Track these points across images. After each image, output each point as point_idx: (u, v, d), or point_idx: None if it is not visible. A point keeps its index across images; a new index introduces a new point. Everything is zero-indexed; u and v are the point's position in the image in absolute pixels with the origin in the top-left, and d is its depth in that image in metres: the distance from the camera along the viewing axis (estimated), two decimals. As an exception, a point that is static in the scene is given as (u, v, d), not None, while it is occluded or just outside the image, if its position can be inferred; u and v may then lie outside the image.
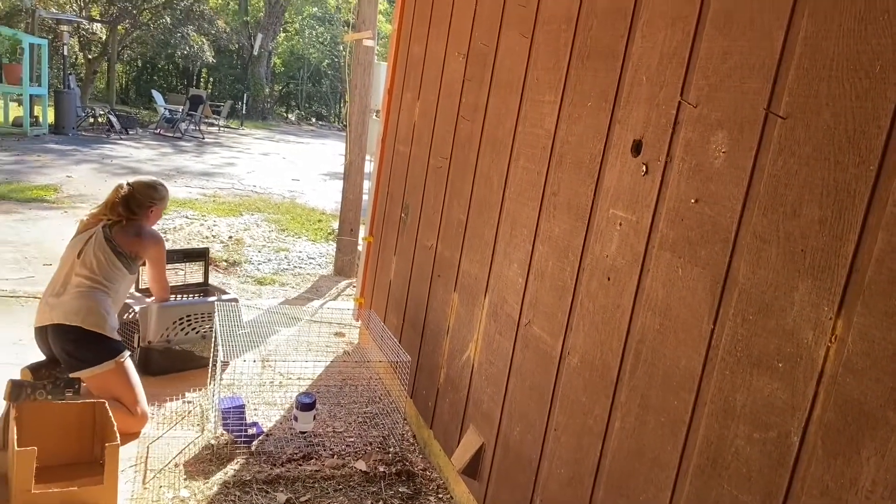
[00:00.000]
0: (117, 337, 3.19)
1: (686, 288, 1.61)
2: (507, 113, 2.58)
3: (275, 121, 26.79)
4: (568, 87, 2.18)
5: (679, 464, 1.59)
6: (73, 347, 3.05)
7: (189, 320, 3.73)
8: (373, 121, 6.10)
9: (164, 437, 3.07)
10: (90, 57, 22.06)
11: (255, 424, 3.14)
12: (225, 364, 3.11)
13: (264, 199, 9.81)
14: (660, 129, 1.74)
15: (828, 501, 1.24)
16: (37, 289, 4.67)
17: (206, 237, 7.08)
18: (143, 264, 3.46)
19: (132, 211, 3.32)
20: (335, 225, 7.52)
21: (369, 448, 3.15)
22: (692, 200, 1.61)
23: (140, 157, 12.59)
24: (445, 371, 2.99)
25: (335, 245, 6.75)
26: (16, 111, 14.32)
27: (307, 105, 32.28)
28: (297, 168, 13.82)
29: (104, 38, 21.54)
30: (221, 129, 20.02)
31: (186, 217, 7.82)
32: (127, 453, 2.87)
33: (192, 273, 5.06)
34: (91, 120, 16.16)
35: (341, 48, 28.00)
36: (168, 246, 6.43)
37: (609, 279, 1.88)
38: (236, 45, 27.09)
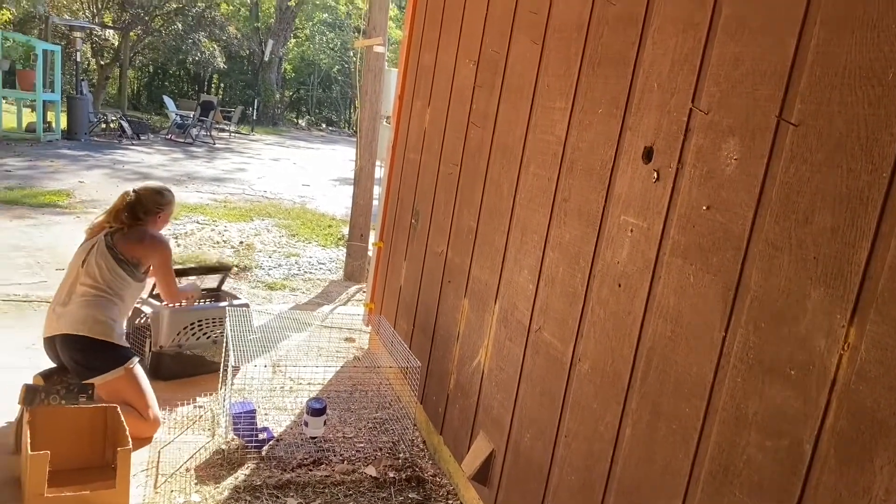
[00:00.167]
0: (125, 343, 3.20)
1: (698, 295, 1.61)
2: (518, 119, 2.59)
3: (285, 126, 26.90)
4: (579, 93, 2.18)
5: (690, 471, 1.59)
6: (81, 356, 3.06)
7: (200, 325, 3.75)
8: (383, 127, 6.12)
9: (175, 442, 3.08)
10: (102, 63, 22.25)
11: (265, 429, 3.15)
12: (236, 369, 3.12)
13: (275, 204, 9.85)
14: (671, 136, 1.74)
15: (841, 510, 1.23)
16: (49, 293, 4.70)
17: (217, 242, 7.11)
18: (146, 272, 3.36)
19: (138, 217, 3.30)
20: (345, 230, 7.54)
21: (379, 454, 3.16)
22: (704, 207, 1.61)
23: (151, 163, 12.67)
24: (455, 377, 2.99)
25: (345, 250, 6.77)
26: (29, 117, 14.44)
27: (317, 111, 32.40)
28: (307, 173, 13.87)
29: (116, 44, 21.72)
30: (232, 134, 20.12)
31: (197, 222, 7.85)
32: (138, 458, 2.88)
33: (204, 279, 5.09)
34: (103, 126, 16.27)
35: (351, 54, 28.12)
36: (179, 250, 6.47)
37: (620, 286, 1.88)
38: (247, 51, 27.24)
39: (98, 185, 9.51)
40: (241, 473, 2.88)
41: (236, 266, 6.34)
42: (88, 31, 19.44)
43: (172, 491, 2.72)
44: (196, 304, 3.82)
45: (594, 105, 2.09)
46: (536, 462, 2.26)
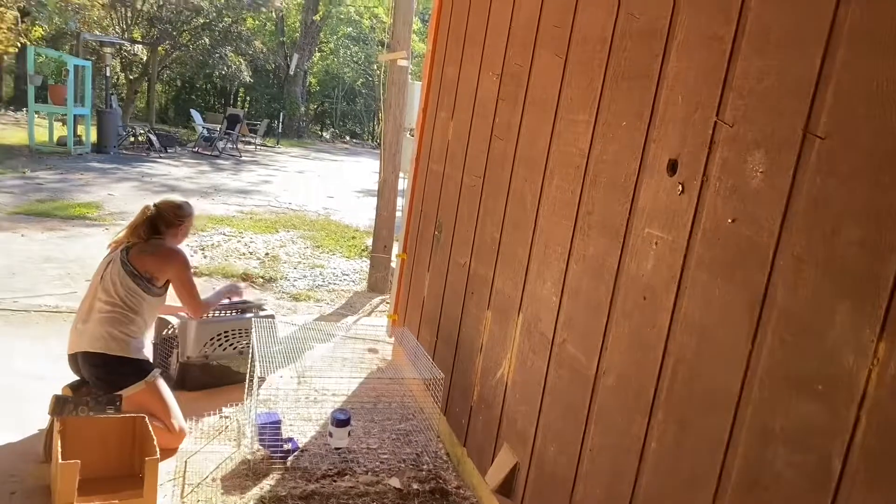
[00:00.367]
0: (144, 357, 3.22)
1: (723, 308, 1.60)
2: (541, 132, 2.59)
3: (310, 139, 27.14)
4: (602, 106, 2.19)
5: (717, 485, 1.57)
6: (101, 373, 3.10)
7: (227, 336, 3.79)
8: (407, 139, 6.15)
9: (201, 452, 3.11)
10: (131, 77, 22.65)
11: (290, 440, 3.17)
12: (262, 380, 3.15)
13: (300, 216, 9.93)
14: (696, 149, 1.74)
15: (871, 527, 1.21)
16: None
17: (243, 254, 7.18)
18: (165, 287, 3.35)
19: (159, 231, 3.32)
20: (369, 241, 7.58)
21: (403, 465, 3.16)
22: (729, 220, 1.60)
23: (178, 175, 12.84)
24: (479, 389, 2.99)
25: (369, 262, 6.81)
26: (60, 130, 14.71)
27: (341, 123, 32.65)
28: (331, 185, 13.97)
29: (145, 59, 22.10)
30: (258, 147, 20.33)
31: (224, 234, 7.94)
32: (166, 468, 2.91)
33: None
34: (132, 139, 16.53)
35: (375, 67, 28.33)
36: (205, 262, 6.55)
37: (645, 298, 1.88)
38: (273, 65, 27.56)
39: (127, 198, 9.66)
40: (267, 484, 2.90)
41: (261, 277, 6.39)
42: (118, 47, 19.81)
43: (199, 501, 2.75)
44: (221, 313, 3.86)
45: (618, 117, 2.10)
46: (561, 475, 2.26)
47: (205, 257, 6.85)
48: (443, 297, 3.60)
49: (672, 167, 1.82)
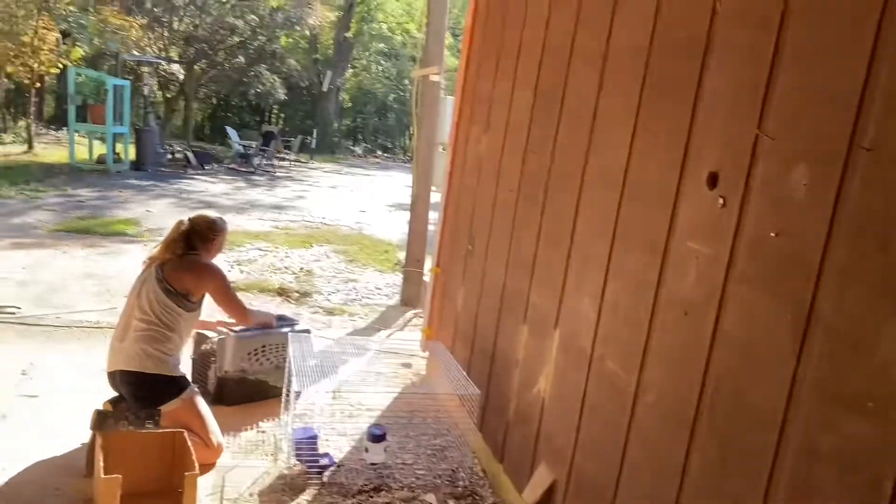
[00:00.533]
0: (180, 373, 3.25)
1: (767, 324, 1.57)
2: (577, 146, 2.58)
3: (342, 154, 27.38)
4: (640, 119, 2.17)
5: (763, 506, 1.54)
6: (137, 390, 3.14)
7: (264, 351, 3.82)
8: (439, 154, 6.17)
9: (239, 467, 3.13)
10: (168, 96, 23.09)
11: (326, 455, 3.18)
12: (298, 394, 3.16)
13: (333, 230, 10.01)
14: (736, 162, 1.71)
15: (927, 551, 1.18)
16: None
17: (279, 269, 7.25)
18: (200, 302, 3.38)
19: (193, 246, 3.35)
20: (401, 255, 7.61)
21: (439, 481, 3.14)
22: (772, 234, 1.58)
23: (215, 192, 13.04)
24: (515, 404, 2.97)
25: (402, 276, 6.82)
26: (99, 149, 15.04)
27: (373, 138, 32.90)
28: (363, 200, 14.06)
29: (182, 77, 22.51)
30: (292, 163, 20.57)
31: (259, 249, 8.03)
32: (204, 482, 2.93)
33: (265, 305, 5.18)
34: (169, 156, 16.84)
35: (407, 82, 28.54)
36: (242, 277, 6.62)
37: (686, 314, 1.85)
38: (306, 82, 27.90)
39: (165, 214, 9.82)
40: (303, 499, 2.90)
41: (296, 292, 6.45)
42: (156, 66, 20.24)
43: (237, 515, 2.76)
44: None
45: (656, 131, 2.08)
46: (600, 493, 2.22)
47: (241, 272, 6.93)
48: (477, 311, 3.59)
49: (712, 180, 1.80)
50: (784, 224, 1.55)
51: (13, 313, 5.03)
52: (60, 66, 16.16)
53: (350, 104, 32.56)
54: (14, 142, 17.06)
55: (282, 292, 6.36)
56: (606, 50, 2.43)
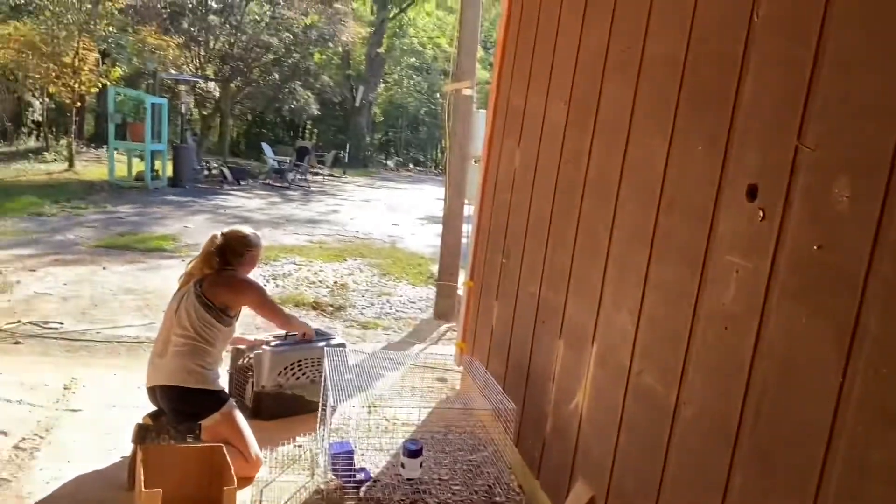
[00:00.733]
0: (219, 387, 3.30)
1: (811, 338, 1.54)
2: (612, 158, 2.57)
3: (375, 168, 27.61)
4: (676, 131, 2.15)
5: (810, 525, 1.50)
6: (178, 405, 3.19)
7: (300, 365, 3.85)
8: (472, 167, 6.19)
9: (276, 482, 3.15)
10: (205, 113, 23.52)
11: (363, 470, 3.18)
12: (333, 409, 3.18)
13: (366, 244, 10.07)
14: (776, 174, 1.69)
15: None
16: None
17: (313, 283, 7.31)
18: (237, 316, 3.44)
19: (227, 261, 3.39)
20: (434, 268, 7.63)
21: (475, 497, 3.13)
22: (814, 247, 1.55)
23: (251, 207, 13.22)
24: (552, 420, 2.95)
25: (435, 289, 6.83)
26: (138, 166, 15.37)
27: (405, 151, 33.13)
28: (396, 213, 14.14)
29: (218, 95, 22.93)
30: (326, 177, 20.79)
31: (294, 263, 8.11)
32: (242, 496, 2.95)
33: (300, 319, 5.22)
34: (206, 172, 17.13)
35: (438, 96, 28.71)
36: (277, 291, 6.69)
37: (726, 328, 1.82)
38: (339, 98, 28.23)
39: (202, 230, 9.98)
40: (340, 514, 2.91)
41: (331, 305, 6.49)
42: (193, 84, 20.62)
43: (274, 530, 2.77)
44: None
45: (693, 142, 2.06)
46: (639, 510, 2.19)
47: (276, 286, 7.00)
48: (512, 325, 3.57)
49: (751, 192, 1.77)
50: (826, 237, 1.52)
51: (56, 329, 5.14)
52: (100, 85, 16.59)
53: (382, 118, 32.87)
54: (56, 160, 17.52)
55: (316, 306, 6.42)
56: (641, 61, 2.41)
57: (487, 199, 4.26)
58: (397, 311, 6.65)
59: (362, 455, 3.44)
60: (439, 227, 6.97)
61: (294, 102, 24.28)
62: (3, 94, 21.79)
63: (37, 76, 16.54)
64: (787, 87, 1.68)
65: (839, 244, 1.48)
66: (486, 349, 4.01)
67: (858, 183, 1.45)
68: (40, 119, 21.96)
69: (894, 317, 1.34)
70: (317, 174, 20.59)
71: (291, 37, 22.68)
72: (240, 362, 3.92)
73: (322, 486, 3.09)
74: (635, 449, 2.26)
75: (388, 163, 30.76)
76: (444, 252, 6.59)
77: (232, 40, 21.92)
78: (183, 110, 18.45)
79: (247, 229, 3.56)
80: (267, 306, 3.57)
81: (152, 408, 3.36)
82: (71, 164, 16.20)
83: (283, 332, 3.92)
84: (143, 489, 2.45)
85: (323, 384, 3.30)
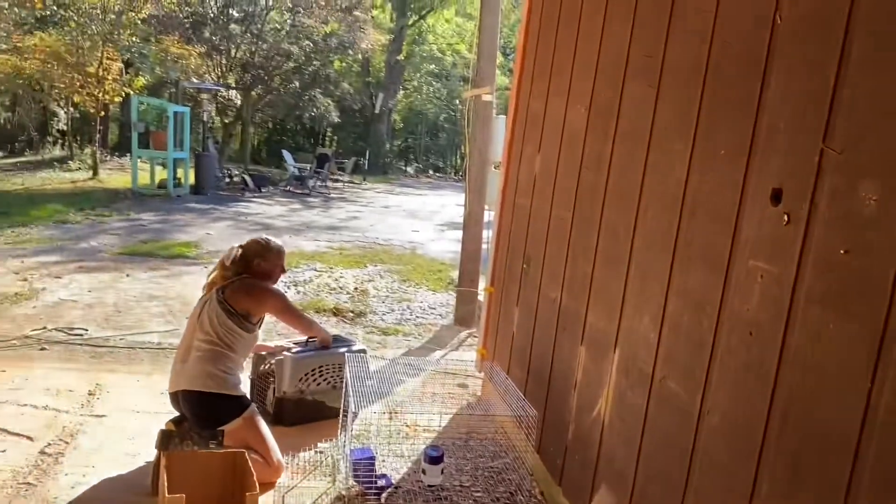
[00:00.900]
0: (241, 392, 3.32)
1: (838, 344, 1.52)
2: (634, 163, 2.55)
3: (394, 174, 27.69)
4: (699, 135, 2.13)
5: (839, 535, 1.47)
6: (199, 410, 3.21)
7: (321, 371, 3.86)
8: (492, 173, 6.18)
9: (297, 488, 3.16)
10: (226, 121, 23.75)
11: (384, 476, 3.18)
12: (355, 415, 3.18)
13: (386, 250, 10.09)
14: (801, 177, 1.66)
15: None
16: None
17: (334, 289, 7.34)
18: (260, 322, 3.48)
19: (248, 269, 3.44)
20: (454, 275, 7.62)
21: (497, 504, 3.11)
22: (841, 251, 1.52)
23: (272, 214, 13.31)
24: (574, 427, 2.93)
25: (455, 295, 6.83)
26: (161, 174, 15.54)
27: (425, 158, 33.21)
28: (416, 220, 14.16)
29: (239, 103, 23.14)
30: (346, 184, 20.89)
31: (315, 270, 8.14)
32: (264, 502, 2.96)
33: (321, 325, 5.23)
34: (227, 180, 17.28)
35: (458, 102, 28.75)
36: (298, 297, 6.72)
37: (751, 334, 1.80)
38: (359, 105, 28.38)
39: (223, 237, 10.06)
40: (361, 520, 2.91)
41: (351, 311, 6.51)
42: (214, 93, 20.85)
43: (296, 536, 2.78)
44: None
45: (716, 147, 2.04)
46: (663, 518, 2.17)
47: (297, 292, 7.03)
48: (533, 331, 3.56)
49: (776, 196, 1.75)
50: (854, 241, 1.50)
51: (81, 335, 5.20)
52: (124, 94, 16.81)
53: (402, 125, 33.00)
54: (80, 168, 17.77)
55: (337, 312, 6.43)
56: (662, 65, 2.40)
57: (508, 205, 4.25)
58: (417, 317, 6.65)
59: (383, 461, 3.43)
60: (459, 234, 6.97)
61: (314, 110, 24.44)
62: (30, 104, 22.18)
63: (62, 86, 16.80)
64: (811, 88, 1.66)
65: (867, 248, 1.46)
66: (506, 355, 4.00)
67: (886, 185, 1.43)
68: (65, 128, 22.31)
69: (924, 322, 1.32)
70: (337, 181, 20.70)
71: (312, 45, 22.85)
72: (261, 368, 3.94)
73: (343, 493, 3.09)
74: (659, 456, 2.24)
75: (408, 169, 30.85)
76: (464, 258, 6.59)
77: (253, 49, 22.12)
78: (205, 118, 18.66)
79: (266, 238, 3.61)
80: (288, 312, 3.61)
81: (175, 414, 3.38)
82: (95, 173, 16.41)
83: (304, 338, 3.94)
84: (167, 495, 2.46)
85: (344, 390, 3.30)
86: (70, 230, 9.72)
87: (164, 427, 3.29)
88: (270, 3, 22.98)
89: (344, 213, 14.53)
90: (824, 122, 1.61)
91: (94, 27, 15.73)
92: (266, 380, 3.90)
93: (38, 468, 3.16)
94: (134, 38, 17.92)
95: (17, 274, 6.93)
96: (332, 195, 17.89)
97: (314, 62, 23.52)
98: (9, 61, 16.54)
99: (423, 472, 3.12)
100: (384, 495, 3.08)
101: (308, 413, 3.84)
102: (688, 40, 2.26)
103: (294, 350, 3.86)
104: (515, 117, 4.20)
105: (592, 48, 3.03)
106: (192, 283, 7.08)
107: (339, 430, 3.50)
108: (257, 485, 2.61)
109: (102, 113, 17.63)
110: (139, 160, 15.27)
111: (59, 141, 22.96)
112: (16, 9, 16.99)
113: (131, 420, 3.75)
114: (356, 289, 7.42)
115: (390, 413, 3.98)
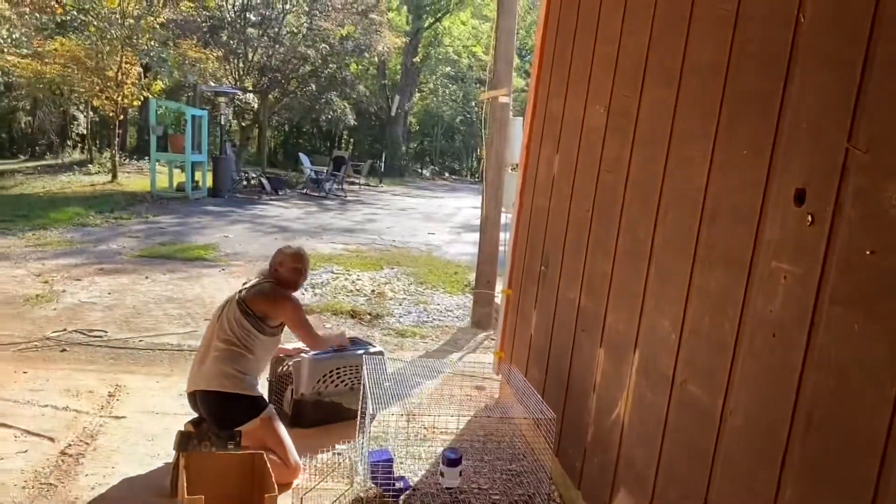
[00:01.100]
0: (258, 393, 3.33)
1: (864, 346, 1.49)
2: (653, 164, 2.53)
3: (410, 177, 27.73)
4: (720, 135, 2.11)
5: (865, 540, 1.45)
6: (217, 410, 3.23)
7: (339, 373, 3.86)
8: (509, 175, 6.17)
9: (315, 489, 3.16)
10: (243, 124, 23.88)
11: (402, 478, 3.17)
12: (372, 416, 3.18)
13: (403, 252, 10.10)
14: (825, 177, 1.64)
15: None
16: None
17: (351, 291, 7.35)
18: (281, 327, 3.50)
19: (272, 275, 3.53)
20: (471, 277, 7.61)
21: (515, 506, 3.10)
22: (867, 252, 1.50)
23: (289, 216, 13.36)
24: (593, 429, 2.91)
25: (472, 297, 6.81)
26: (179, 177, 15.65)
27: (441, 160, 33.22)
28: (432, 222, 14.16)
29: (256, 106, 23.25)
30: (362, 187, 20.94)
31: (332, 272, 8.16)
32: (282, 503, 2.97)
33: (337, 327, 5.25)
34: (244, 183, 17.37)
35: (474, 104, 28.76)
36: (315, 300, 6.74)
37: (774, 336, 1.78)
38: (375, 108, 28.45)
39: (241, 239, 10.12)
40: (379, 522, 2.90)
41: (368, 314, 6.51)
42: (232, 96, 20.95)
43: (314, 537, 2.78)
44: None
45: (737, 147, 2.02)
46: (684, 522, 2.14)
47: (315, 295, 7.05)
48: (551, 333, 3.54)
49: (799, 197, 1.73)
50: (879, 241, 1.47)
51: (100, 337, 5.24)
52: (142, 98, 16.94)
53: (417, 127, 33.03)
54: (99, 172, 17.94)
55: (354, 314, 6.44)
56: (682, 65, 2.38)
57: (525, 207, 4.24)
58: (435, 319, 6.65)
59: (401, 463, 3.43)
60: (475, 236, 6.96)
61: (331, 113, 24.51)
62: (50, 109, 22.43)
63: (82, 90, 16.96)
64: (836, 88, 1.64)
65: (893, 248, 1.44)
66: (524, 358, 3.98)
67: (914, 185, 1.40)
68: (85, 132, 22.54)
69: (954, 324, 1.29)
70: (353, 183, 20.75)
71: (328, 48, 22.92)
72: (279, 370, 3.95)
73: (361, 494, 3.09)
74: (680, 460, 2.22)
75: (424, 172, 30.87)
76: (480, 260, 6.58)
77: (270, 52, 22.22)
78: (222, 122, 18.76)
79: (291, 246, 3.68)
80: (299, 324, 3.56)
81: (194, 415, 3.40)
82: (114, 176, 16.56)
83: None
84: (186, 496, 2.47)
85: (362, 392, 3.30)
86: (90, 233, 9.81)
87: (182, 428, 3.31)
88: (287, 6, 23.09)
89: (360, 215, 14.56)
90: (849, 122, 1.59)
91: (113, 32, 15.87)
92: (284, 381, 3.92)
93: (59, 469, 3.19)
94: (152, 43, 18.05)
95: (38, 276, 7.01)
96: (348, 198, 17.94)
97: (330, 65, 23.59)
98: (30, 66, 16.72)
99: (441, 474, 3.11)
100: (402, 497, 3.08)
101: (326, 415, 3.85)
102: (708, 40, 2.24)
103: (312, 352, 3.86)
104: (533, 118, 4.19)
105: (611, 48, 3.01)
106: (211, 286, 7.12)
107: (356, 432, 3.50)
108: (276, 486, 2.61)
109: (121, 117, 17.76)
110: (157, 163, 15.39)
111: (79, 144, 23.21)
112: (37, 14, 17.18)
113: (151, 421, 3.77)
114: (373, 291, 7.43)
115: (408, 415, 3.97)
